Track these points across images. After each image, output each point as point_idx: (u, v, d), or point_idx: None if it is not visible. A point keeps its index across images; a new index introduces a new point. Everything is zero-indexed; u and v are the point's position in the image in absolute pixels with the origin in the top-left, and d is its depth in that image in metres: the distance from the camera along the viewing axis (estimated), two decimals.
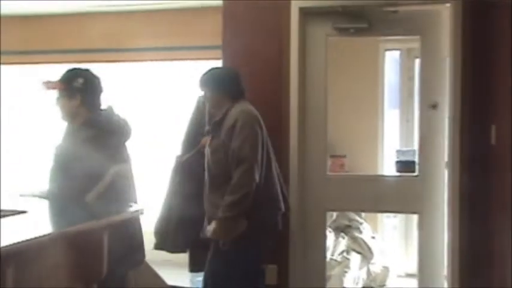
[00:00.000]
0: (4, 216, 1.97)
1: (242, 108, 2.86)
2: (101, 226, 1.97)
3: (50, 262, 1.71)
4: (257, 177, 2.67)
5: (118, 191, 2.53)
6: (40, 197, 2.56)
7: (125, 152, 2.79)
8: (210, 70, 3.09)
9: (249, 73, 3.35)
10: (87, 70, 2.72)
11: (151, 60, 5.41)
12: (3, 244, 1.49)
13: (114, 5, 5.09)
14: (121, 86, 5.49)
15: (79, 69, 2.73)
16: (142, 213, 2.31)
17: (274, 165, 2.91)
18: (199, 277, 3.59)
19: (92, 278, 1.96)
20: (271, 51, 3.42)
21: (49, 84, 2.66)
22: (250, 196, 2.64)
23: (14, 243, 1.52)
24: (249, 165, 2.65)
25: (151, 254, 3.30)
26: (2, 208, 2.06)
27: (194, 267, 3.40)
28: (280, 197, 2.89)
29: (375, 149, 4.78)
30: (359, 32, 3.43)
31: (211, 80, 3.02)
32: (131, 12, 5.26)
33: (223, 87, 2.96)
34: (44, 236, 1.66)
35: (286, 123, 3.38)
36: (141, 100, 5.49)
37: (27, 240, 1.58)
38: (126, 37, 5.30)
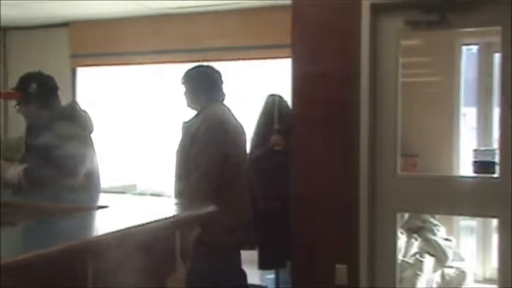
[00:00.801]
0: (86, 210, 2.07)
1: (212, 112, 2.94)
2: (175, 222, 2.02)
3: (126, 256, 1.77)
4: (214, 181, 2.78)
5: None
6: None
7: (91, 144, 2.86)
8: (194, 67, 3.17)
9: (319, 72, 3.32)
10: (38, 73, 2.80)
11: (222, 60, 5.49)
12: (85, 238, 1.58)
13: (186, 7, 5.20)
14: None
15: (30, 73, 2.80)
16: (216, 212, 2.34)
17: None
18: (269, 274, 3.61)
19: (165, 273, 2.01)
20: (341, 50, 3.37)
21: (6, 95, 2.78)
22: (206, 198, 2.68)
23: (95, 237, 1.60)
24: (205, 170, 2.77)
25: None
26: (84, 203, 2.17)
27: (264, 265, 3.42)
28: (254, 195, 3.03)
29: (450, 148, 4.60)
30: (432, 25, 3.30)
31: (191, 77, 3.08)
32: (202, 13, 5.37)
33: (201, 86, 3.03)
34: (120, 230, 1.73)
35: (356, 122, 3.32)
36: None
37: (106, 234, 1.65)
38: (198, 38, 5.41)
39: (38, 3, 5.10)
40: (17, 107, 2.79)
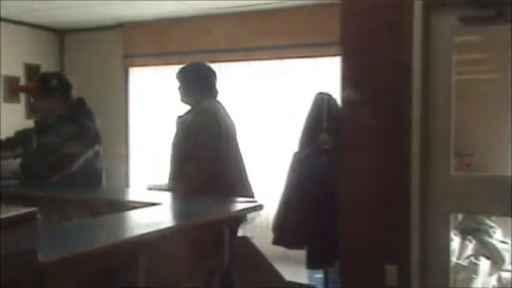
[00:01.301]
0: (137, 208, 2.12)
1: (205, 106, 3.09)
2: (223, 218, 2.04)
3: (176, 251, 1.80)
4: (206, 172, 2.92)
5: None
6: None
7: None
8: (188, 64, 3.34)
9: (369, 70, 3.27)
10: (59, 72, 3.08)
11: (271, 59, 5.51)
12: (137, 234, 1.62)
13: (235, 6, 5.24)
14: (243, 85, 5.66)
15: (51, 72, 3.32)
16: (261, 208, 2.35)
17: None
18: (318, 274, 3.59)
19: (214, 268, 2.04)
20: (392, 47, 3.30)
21: (29, 87, 3.03)
22: (199, 186, 2.84)
23: (146, 233, 1.64)
24: (198, 162, 2.93)
25: (270, 249, 3.36)
26: (137, 200, 2.23)
27: (312, 264, 3.40)
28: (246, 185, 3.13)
29: (506, 148, 4.43)
30: (487, 21, 3.19)
31: (186, 73, 3.23)
32: (250, 12, 5.39)
33: (194, 82, 3.17)
34: (171, 226, 1.77)
35: (407, 121, 3.25)
36: (261, 98, 5.61)
37: (157, 230, 1.69)
38: (246, 37, 5.44)
39: (93, 6, 5.27)
40: (32, 99, 3.12)
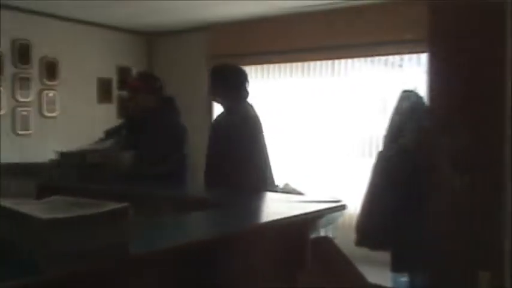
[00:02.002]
0: (222, 206, 2.16)
1: (246, 108, 3.21)
2: (306, 218, 2.04)
3: (258, 250, 1.82)
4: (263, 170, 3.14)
5: None
6: None
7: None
8: (224, 66, 3.40)
9: (457, 67, 3.13)
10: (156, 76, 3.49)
11: (357, 57, 5.42)
12: (222, 231, 1.66)
13: (320, 5, 5.21)
14: (328, 84, 5.62)
15: (153, 74, 3.50)
16: (344, 208, 2.32)
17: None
18: (403, 278, 3.49)
19: (295, 267, 2.04)
20: (483, 43, 3.13)
21: (130, 83, 3.26)
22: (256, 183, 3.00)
23: (230, 231, 1.67)
24: (254, 162, 3.11)
25: (353, 250, 3.31)
26: (222, 199, 2.27)
27: (397, 267, 3.31)
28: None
29: None
30: None
31: (224, 75, 3.27)
32: (336, 10, 5.33)
33: (232, 85, 3.22)
34: (251, 226, 1.79)
35: (499, 119, 3.06)
36: (346, 96, 5.54)
37: (241, 228, 1.72)
38: (332, 35, 5.39)
39: (181, 9, 5.45)
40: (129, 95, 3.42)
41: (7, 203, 1.26)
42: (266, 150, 3.31)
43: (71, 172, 2.94)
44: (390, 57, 5.25)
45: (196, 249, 1.54)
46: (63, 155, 3.07)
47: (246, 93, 3.31)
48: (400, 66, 5.21)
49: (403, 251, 3.18)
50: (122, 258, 1.25)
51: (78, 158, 2.96)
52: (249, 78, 3.39)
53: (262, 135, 3.29)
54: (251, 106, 3.34)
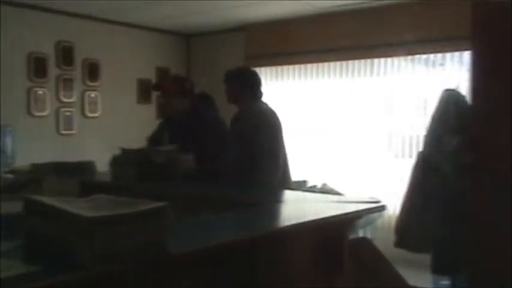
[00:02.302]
0: (260, 205, 2.17)
1: (264, 107, 3.32)
2: (344, 219, 2.02)
3: (296, 250, 1.81)
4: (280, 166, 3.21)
5: None
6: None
7: None
8: (238, 69, 3.52)
9: (503, 64, 3.03)
10: (189, 77, 3.37)
11: (394, 56, 5.34)
12: (252, 232, 1.66)
13: (360, 3, 5.16)
14: (367, 83, 5.57)
15: (183, 76, 3.56)
16: (384, 209, 2.29)
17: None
18: (444, 280, 3.42)
19: (333, 268, 2.02)
20: None
21: (163, 86, 3.29)
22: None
23: (262, 232, 1.68)
24: (275, 157, 3.19)
25: (392, 252, 3.26)
26: (260, 198, 2.28)
27: (438, 269, 3.24)
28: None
29: None
30: None
31: (238, 77, 3.36)
32: (373, 8, 5.27)
33: (247, 86, 3.31)
34: (293, 225, 1.79)
35: None
36: (385, 95, 5.47)
37: (278, 228, 1.72)
38: (369, 34, 5.33)
39: (220, 10, 5.49)
40: (161, 98, 3.48)
41: (51, 200, 1.30)
42: (284, 149, 3.36)
43: (130, 170, 2.96)
44: (431, 56, 5.15)
45: (234, 249, 1.55)
46: (125, 152, 3.12)
47: (261, 94, 3.42)
48: (442, 65, 5.11)
49: (444, 252, 3.12)
50: (160, 258, 1.26)
51: (140, 157, 3.00)
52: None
53: (281, 134, 3.35)
54: (267, 105, 3.43)
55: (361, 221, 4.08)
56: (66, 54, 5.60)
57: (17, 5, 5.13)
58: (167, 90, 3.40)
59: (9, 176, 3.79)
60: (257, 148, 3.14)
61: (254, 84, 3.40)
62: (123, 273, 1.21)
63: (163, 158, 2.97)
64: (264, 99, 3.48)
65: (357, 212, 2.14)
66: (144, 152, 3.06)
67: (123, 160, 3.04)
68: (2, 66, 5.12)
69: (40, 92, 5.40)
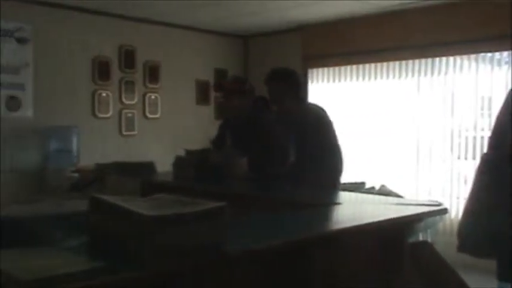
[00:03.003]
0: (318, 205, 2.16)
1: (314, 107, 3.34)
2: (404, 221, 1.98)
3: (354, 253, 1.79)
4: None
5: None
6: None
7: None
8: (284, 70, 3.43)
9: None
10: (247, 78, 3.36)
11: (452, 55, 5.19)
12: (310, 232, 1.66)
13: (411, 2, 5.04)
14: (426, 83, 5.43)
15: (243, 77, 3.57)
16: (446, 212, 2.22)
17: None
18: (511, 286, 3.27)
19: (392, 272, 1.98)
20: None
21: (222, 85, 3.26)
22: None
23: (323, 232, 1.67)
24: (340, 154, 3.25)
25: (455, 256, 3.15)
26: (316, 199, 2.26)
27: (504, 275, 3.10)
28: None
29: None
30: None
31: (289, 78, 3.30)
32: (433, 6, 5.12)
33: (296, 87, 3.27)
34: (351, 227, 1.76)
35: None
36: (440, 95, 5.32)
37: (335, 229, 1.70)
38: (429, 32, 5.19)
39: (276, 11, 5.50)
40: (222, 98, 3.48)
41: (114, 199, 1.35)
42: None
43: (190, 171, 3.03)
44: (497, 54, 4.95)
45: (290, 250, 1.55)
46: (188, 153, 3.20)
47: (306, 95, 3.43)
48: (507, 63, 4.90)
49: (509, 258, 2.98)
50: (218, 257, 1.28)
51: (200, 158, 3.07)
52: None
53: (334, 132, 3.39)
54: (315, 104, 3.46)
55: (422, 225, 3.97)
56: (128, 58, 5.78)
57: (82, 11, 5.35)
58: (229, 90, 3.42)
59: (75, 175, 3.96)
60: (319, 148, 3.13)
61: (301, 85, 3.42)
62: (182, 272, 1.24)
63: (221, 160, 3.01)
64: (322, 99, 3.47)
65: (417, 214, 2.09)
66: (204, 154, 3.11)
67: (185, 161, 3.11)
68: (69, 70, 5.35)
69: (104, 95, 5.60)
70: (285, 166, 3.13)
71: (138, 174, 3.24)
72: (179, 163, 3.16)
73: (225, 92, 3.44)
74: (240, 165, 3.04)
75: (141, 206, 1.29)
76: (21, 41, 4.97)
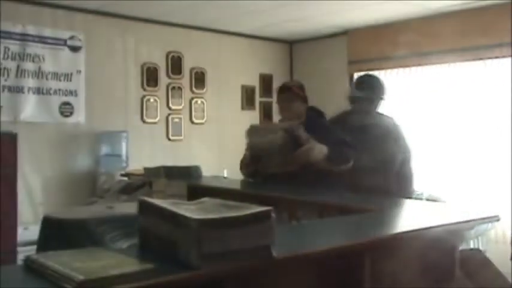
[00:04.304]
0: (364, 212, 2.13)
1: (390, 119, 3.33)
2: (453, 228, 1.93)
3: (403, 259, 1.76)
4: None
5: None
6: None
7: None
8: (372, 75, 3.48)
9: None
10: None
11: (455, 62, 5.08)
12: (364, 237, 1.64)
13: (458, 4, 4.93)
14: (427, 89, 5.34)
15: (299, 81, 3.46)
16: (497, 219, 2.15)
17: None
18: None
19: (443, 281, 1.93)
20: None
21: (290, 88, 3.15)
22: None
23: (373, 237, 1.65)
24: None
25: (507, 266, 3.06)
26: (367, 204, 2.23)
27: None
28: None
29: None
30: None
31: (381, 85, 3.28)
32: (479, 9, 4.99)
33: (384, 92, 3.25)
34: (401, 233, 1.74)
35: None
36: (449, 102, 5.21)
37: (384, 236, 1.68)
38: (474, 36, 5.07)
39: (320, 16, 5.49)
40: (284, 102, 3.33)
41: (163, 202, 1.38)
42: None
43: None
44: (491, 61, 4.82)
45: (338, 255, 1.54)
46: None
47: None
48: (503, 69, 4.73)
49: None
50: (264, 261, 1.28)
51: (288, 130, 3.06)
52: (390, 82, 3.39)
53: None
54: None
55: (472, 232, 3.86)
56: (175, 64, 5.89)
57: (132, 19, 5.50)
58: (295, 94, 3.36)
59: (125, 178, 4.06)
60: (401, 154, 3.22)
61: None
62: (228, 275, 1.25)
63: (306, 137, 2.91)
64: None
65: (467, 221, 2.04)
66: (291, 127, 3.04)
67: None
68: (119, 77, 5.51)
69: (152, 100, 5.72)
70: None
71: (185, 178, 3.29)
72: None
73: (291, 94, 3.35)
74: (318, 150, 2.92)
75: (188, 210, 1.31)
76: (74, 49, 5.15)
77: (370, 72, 3.81)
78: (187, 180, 3.22)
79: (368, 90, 3.30)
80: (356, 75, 6.22)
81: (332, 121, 3.34)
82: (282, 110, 3.28)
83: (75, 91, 5.16)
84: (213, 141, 6.13)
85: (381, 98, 3.33)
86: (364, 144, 3.05)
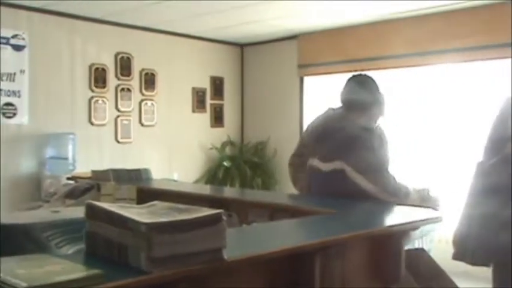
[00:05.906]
0: (313, 214, 2.16)
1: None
2: (400, 229, 1.98)
3: (352, 259, 1.80)
4: None
5: None
6: None
7: None
8: (364, 75, 3.22)
9: None
10: None
11: (451, 62, 5.22)
12: (314, 240, 1.66)
13: (409, 10, 5.08)
14: (422, 89, 5.45)
15: None
16: (440, 220, 2.23)
17: None
18: None
19: (389, 281, 1.98)
20: None
21: None
22: None
23: (322, 239, 1.67)
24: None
25: (450, 265, 3.16)
26: (314, 206, 2.26)
27: (500, 283, 3.11)
28: None
29: None
30: None
31: (373, 84, 3.10)
32: (429, 15, 5.17)
33: (378, 92, 3.07)
34: (348, 235, 1.77)
35: None
36: (440, 103, 5.33)
37: (334, 237, 1.71)
38: (425, 40, 5.23)
39: (271, 20, 5.53)
40: None
41: (111, 206, 1.35)
42: None
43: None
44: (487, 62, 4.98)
45: (287, 258, 1.55)
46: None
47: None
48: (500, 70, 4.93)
49: (506, 266, 2.99)
50: (215, 264, 1.28)
51: None
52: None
53: None
54: None
55: (417, 232, 3.97)
56: (124, 65, 5.79)
57: (79, 18, 5.36)
58: None
59: (71, 182, 3.95)
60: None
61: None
62: (180, 279, 1.24)
63: None
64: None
65: (410, 222, 2.10)
66: None
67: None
68: (65, 77, 5.35)
69: (100, 102, 5.60)
70: None
71: (134, 181, 3.24)
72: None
73: None
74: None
75: (137, 213, 1.29)
76: (17, 48, 4.97)
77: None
78: (137, 184, 3.17)
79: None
80: (306, 78, 6.31)
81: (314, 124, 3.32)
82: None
83: (19, 91, 4.98)
84: (163, 143, 6.06)
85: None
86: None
